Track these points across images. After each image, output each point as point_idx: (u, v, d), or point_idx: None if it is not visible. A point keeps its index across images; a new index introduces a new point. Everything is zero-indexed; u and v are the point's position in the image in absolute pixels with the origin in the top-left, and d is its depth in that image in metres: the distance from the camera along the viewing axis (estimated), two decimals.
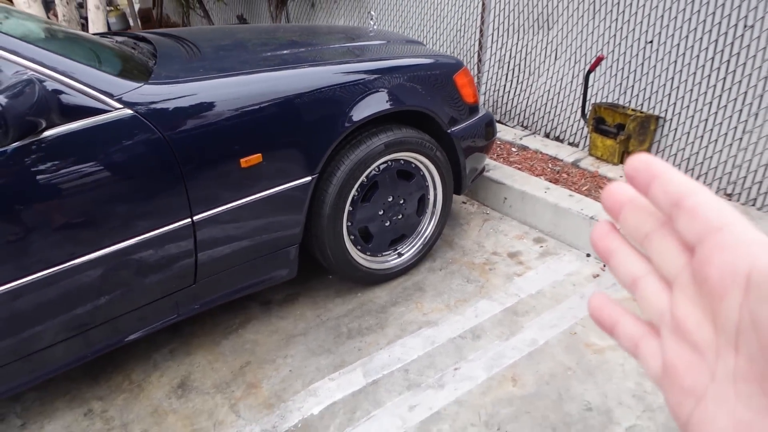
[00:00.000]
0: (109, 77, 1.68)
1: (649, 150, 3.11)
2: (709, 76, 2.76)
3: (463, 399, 1.94)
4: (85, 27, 4.90)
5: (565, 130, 3.59)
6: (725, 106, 2.73)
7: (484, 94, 4.07)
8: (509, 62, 3.84)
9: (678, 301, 0.28)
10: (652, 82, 3.02)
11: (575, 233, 2.69)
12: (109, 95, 1.64)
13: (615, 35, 3.13)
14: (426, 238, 2.58)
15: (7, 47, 1.53)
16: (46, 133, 1.54)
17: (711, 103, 2.79)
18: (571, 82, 3.47)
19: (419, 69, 2.38)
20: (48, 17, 5.24)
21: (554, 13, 3.43)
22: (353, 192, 2.22)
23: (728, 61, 2.66)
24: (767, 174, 2.67)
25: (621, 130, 3.05)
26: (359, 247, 2.37)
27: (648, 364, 0.30)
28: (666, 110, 3.01)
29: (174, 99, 1.76)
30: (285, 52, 2.31)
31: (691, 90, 2.85)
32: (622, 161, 3.16)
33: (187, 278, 1.94)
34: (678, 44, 2.84)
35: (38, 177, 1.55)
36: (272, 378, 2.07)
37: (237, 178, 1.89)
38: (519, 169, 3.20)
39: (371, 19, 4.74)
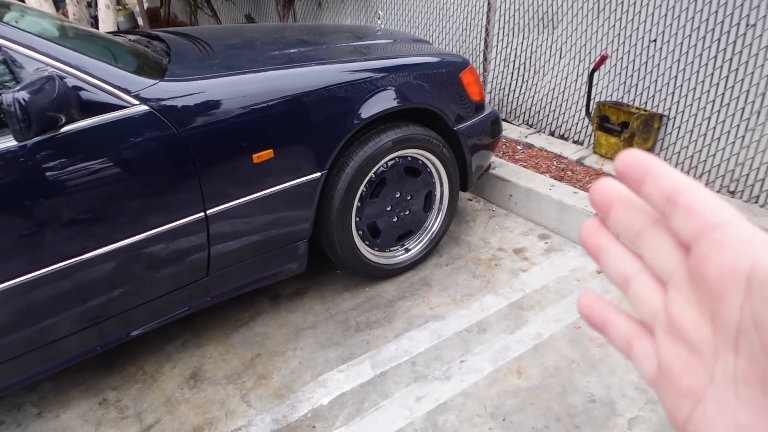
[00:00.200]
0: (125, 74, 1.73)
1: (652, 148, 3.15)
2: (712, 74, 2.79)
3: (469, 390, 1.98)
4: (94, 26, 4.95)
5: (570, 128, 3.63)
6: (728, 104, 2.77)
7: (490, 92, 4.11)
8: (515, 61, 3.88)
9: (673, 300, 0.27)
10: (656, 81, 3.06)
11: (579, 230, 2.72)
12: (126, 91, 1.69)
13: (619, 34, 3.16)
14: (433, 233, 2.63)
15: (27, 44, 1.58)
16: (66, 128, 1.59)
17: (714, 101, 2.82)
18: (576, 80, 3.51)
19: (426, 67, 2.42)
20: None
21: (559, 13, 3.47)
22: (362, 188, 2.26)
23: (731, 59, 2.69)
24: None
25: (625, 128, 3.08)
26: (367, 243, 2.41)
27: (642, 365, 0.29)
28: (669, 108, 3.04)
29: (188, 96, 1.80)
30: (295, 50, 2.35)
31: (694, 88, 2.89)
32: None
33: (199, 271, 1.99)
34: (681, 43, 2.87)
35: (58, 171, 1.60)
36: (282, 369, 2.11)
37: (249, 173, 1.94)
38: (524, 166, 3.24)
39: (378, 18, 4.78)
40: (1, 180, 1.54)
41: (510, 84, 3.97)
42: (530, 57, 3.76)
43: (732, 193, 2.87)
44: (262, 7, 6.54)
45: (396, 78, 2.27)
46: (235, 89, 1.89)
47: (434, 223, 2.63)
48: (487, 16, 3.75)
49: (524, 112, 3.93)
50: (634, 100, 3.20)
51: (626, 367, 2.03)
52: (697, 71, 2.85)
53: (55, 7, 4.86)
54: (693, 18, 2.78)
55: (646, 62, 3.07)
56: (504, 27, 3.85)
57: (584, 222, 0.33)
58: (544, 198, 2.89)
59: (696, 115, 2.92)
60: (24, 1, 4.34)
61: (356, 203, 2.27)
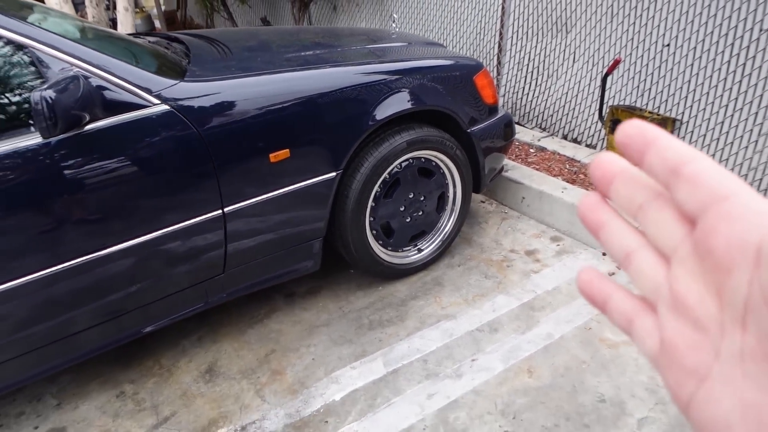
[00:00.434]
0: (147, 74, 1.78)
1: None
2: (725, 78, 2.80)
3: (480, 389, 2.00)
4: (113, 28, 5.03)
5: (583, 132, 3.64)
6: (741, 108, 2.77)
7: (503, 95, 4.13)
8: (528, 65, 3.90)
9: (677, 276, 0.26)
10: (669, 85, 3.07)
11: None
12: (148, 91, 1.74)
13: (632, 38, 3.18)
14: (445, 234, 2.65)
15: (52, 44, 1.63)
16: (89, 126, 1.64)
17: (727, 105, 2.83)
18: (589, 84, 3.52)
19: (440, 70, 2.45)
20: None
21: (572, 17, 3.49)
22: (376, 188, 2.30)
23: (744, 64, 2.70)
24: None
25: None
26: (381, 242, 2.44)
27: (643, 342, 0.28)
28: (683, 113, 3.05)
29: (208, 96, 1.85)
30: (311, 53, 2.40)
31: (708, 93, 2.90)
32: None
33: (216, 268, 2.03)
34: (695, 47, 2.88)
35: (81, 167, 1.65)
36: (296, 366, 2.15)
37: (266, 172, 1.98)
38: (537, 169, 3.26)
39: (393, 21, 4.82)
40: (26, 176, 1.59)
41: (523, 87, 3.99)
42: (544, 61, 3.78)
43: None
44: (278, 11, 6.61)
45: (410, 80, 2.30)
46: (253, 90, 1.94)
47: (447, 224, 2.66)
48: (501, 20, 3.79)
49: (537, 116, 3.95)
50: (647, 104, 3.22)
51: (636, 367, 2.05)
52: (710, 76, 2.86)
53: (75, 10, 4.95)
54: (706, 23, 2.79)
55: (659, 66, 3.08)
56: (518, 31, 3.87)
57: (583, 196, 0.31)
58: (556, 201, 2.91)
59: (709, 119, 2.93)
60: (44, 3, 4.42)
61: (370, 203, 2.31)
